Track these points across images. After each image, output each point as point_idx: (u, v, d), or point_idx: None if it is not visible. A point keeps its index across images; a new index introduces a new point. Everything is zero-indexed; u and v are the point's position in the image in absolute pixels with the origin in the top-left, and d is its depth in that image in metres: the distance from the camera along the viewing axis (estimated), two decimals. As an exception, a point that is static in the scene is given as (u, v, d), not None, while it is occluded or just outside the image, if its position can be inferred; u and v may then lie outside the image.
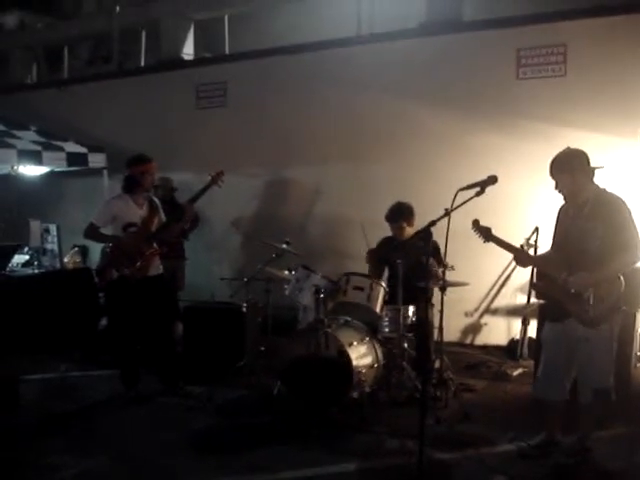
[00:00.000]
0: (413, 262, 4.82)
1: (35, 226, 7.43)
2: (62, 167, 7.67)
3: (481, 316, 6.83)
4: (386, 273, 5.26)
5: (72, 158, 7.62)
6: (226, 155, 7.58)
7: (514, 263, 4.05)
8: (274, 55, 7.83)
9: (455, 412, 4.61)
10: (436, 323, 4.82)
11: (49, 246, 7.24)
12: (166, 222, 5.05)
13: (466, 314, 6.82)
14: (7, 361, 5.34)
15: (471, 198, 3.62)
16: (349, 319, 4.96)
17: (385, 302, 4.94)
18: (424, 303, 4.68)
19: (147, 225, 4.94)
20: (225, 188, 4.99)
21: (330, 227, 7.48)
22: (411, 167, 6.94)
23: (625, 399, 4.26)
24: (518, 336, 6.20)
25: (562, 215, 3.83)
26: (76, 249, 7.79)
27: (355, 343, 4.66)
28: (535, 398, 4.14)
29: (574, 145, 3.74)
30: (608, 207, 3.55)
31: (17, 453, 4.03)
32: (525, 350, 6.07)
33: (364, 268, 5.40)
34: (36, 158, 7.28)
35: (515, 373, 5.65)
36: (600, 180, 3.75)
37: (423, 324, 4.90)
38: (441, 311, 4.35)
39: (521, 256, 3.93)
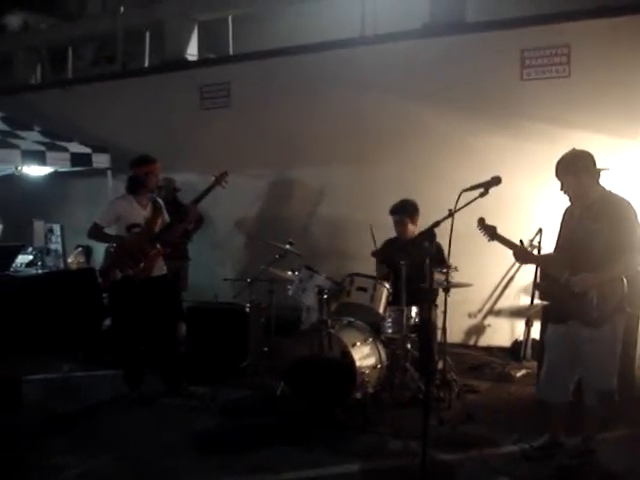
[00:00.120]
0: (416, 263, 4.82)
1: (39, 226, 7.42)
2: (66, 167, 7.69)
3: (485, 317, 6.82)
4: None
5: (76, 158, 7.64)
6: (230, 156, 7.58)
7: (517, 264, 4.04)
8: (278, 56, 7.84)
9: (458, 413, 4.61)
10: (439, 324, 4.84)
11: (53, 246, 7.23)
12: (170, 223, 5.05)
13: (470, 315, 6.81)
14: (10, 361, 5.34)
15: (475, 199, 3.60)
16: (352, 320, 4.96)
17: (389, 303, 4.94)
18: (427, 304, 4.67)
19: (151, 226, 4.94)
20: (229, 189, 5.00)
21: (333, 228, 7.47)
22: (414, 168, 6.92)
23: (629, 401, 4.24)
24: (522, 337, 6.17)
25: (567, 216, 3.82)
26: (80, 249, 7.77)
27: (358, 344, 4.66)
28: (538, 399, 4.13)
29: (578, 146, 3.74)
30: (614, 208, 3.55)
31: (20, 453, 4.03)
32: (529, 351, 6.04)
33: (367, 269, 5.37)
34: (40, 158, 7.29)
35: (519, 374, 5.63)
36: (604, 181, 3.74)
37: (426, 325, 4.89)
38: (445, 312, 4.36)
39: (520, 252, 3.90)
